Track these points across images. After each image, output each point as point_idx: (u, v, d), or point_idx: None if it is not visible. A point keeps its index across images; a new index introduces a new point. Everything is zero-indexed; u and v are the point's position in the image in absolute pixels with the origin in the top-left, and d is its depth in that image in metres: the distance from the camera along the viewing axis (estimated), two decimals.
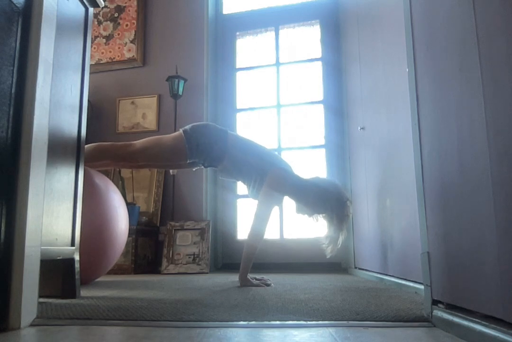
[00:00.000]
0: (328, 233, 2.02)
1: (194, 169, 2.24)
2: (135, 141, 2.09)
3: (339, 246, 2.00)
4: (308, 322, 1.02)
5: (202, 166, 2.16)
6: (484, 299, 0.80)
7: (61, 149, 1.39)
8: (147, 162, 2.13)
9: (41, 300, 1.38)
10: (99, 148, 2.05)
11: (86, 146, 1.87)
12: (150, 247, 3.02)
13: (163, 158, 2.09)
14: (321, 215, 2.06)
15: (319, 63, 3.48)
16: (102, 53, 3.59)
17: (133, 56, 3.51)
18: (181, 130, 2.07)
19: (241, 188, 3.35)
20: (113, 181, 2.98)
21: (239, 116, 3.57)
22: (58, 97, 1.37)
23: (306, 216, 2.10)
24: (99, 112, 3.55)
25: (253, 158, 2.05)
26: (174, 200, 3.19)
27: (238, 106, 3.58)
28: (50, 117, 1.18)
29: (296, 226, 3.23)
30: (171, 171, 3.10)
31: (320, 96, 3.42)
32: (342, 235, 1.99)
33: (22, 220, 1.02)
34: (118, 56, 3.55)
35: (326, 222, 2.04)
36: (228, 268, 3.24)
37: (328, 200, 1.99)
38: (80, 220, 1.51)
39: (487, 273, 0.79)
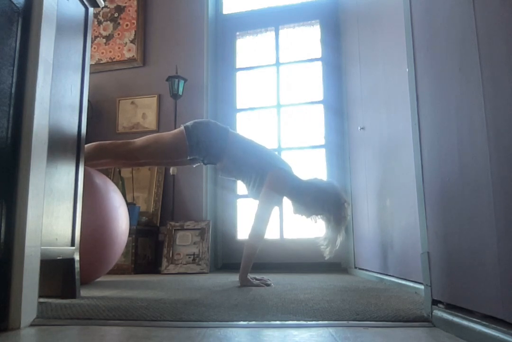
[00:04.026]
0: (326, 234, 2.03)
1: (194, 166, 2.25)
2: (135, 139, 2.09)
3: (337, 247, 2.01)
4: (308, 322, 1.02)
5: (202, 163, 2.17)
6: (484, 299, 0.80)
7: (61, 149, 1.39)
8: (148, 160, 2.13)
9: (41, 300, 1.38)
10: (99, 147, 2.05)
11: (86, 145, 1.87)
12: (150, 247, 3.02)
13: (163, 155, 2.09)
14: (318, 216, 2.06)
15: (319, 63, 3.48)
16: (102, 53, 3.59)
17: (133, 56, 3.51)
18: (182, 127, 2.07)
19: (241, 187, 3.35)
20: (113, 181, 2.98)
21: (239, 116, 3.57)
22: (58, 97, 1.37)
23: (304, 216, 2.10)
24: (99, 112, 3.55)
25: (253, 158, 2.05)
26: (174, 200, 3.19)
27: (238, 106, 3.57)
28: (50, 117, 1.18)
29: (296, 226, 3.23)
30: (171, 170, 3.10)
31: (320, 96, 3.42)
32: (340, 236, 1.99)
33: (22, 220, 1.02)
34: (118, 56, 3.55)
35: (324, 223, 2.04)
36: (228, 268, 3.24)
37: (326, 201, 2.00)
38: (80, 220, 1.51)
39: (487, 273, 0.79)
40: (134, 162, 2.17)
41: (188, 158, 2.07)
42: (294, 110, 3.48)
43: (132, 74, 3.56)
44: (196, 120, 2.11)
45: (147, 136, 2.10)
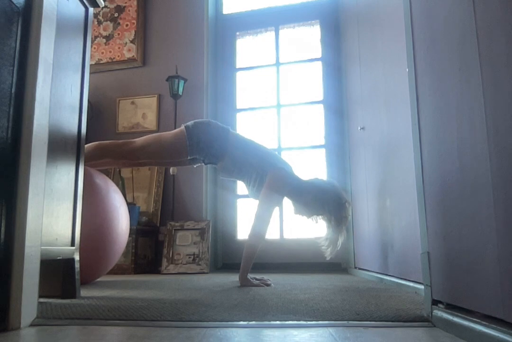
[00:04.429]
0: (327, 235, 2.02)
1: (195, 166, 2.25)
2: (135, 139, 2.09)
3: (339, 247, 2.00)
4: (308, 322, 1.02)
5: (203, 163, 2.17)
6: (484, 299, 0.80)
7: (61, 149, 1.39)
8: (148, 160, 2.13)
9: (41, 300, 1.38)
10: (99, 147, 2.05)
11: (86, 145, 1.87)
12: (150, 247, 3.02)
13: (164, 155, 2.09)
14: (319, 217, 2.06)
15: (319, 63, 3.48)
16: (102, 53, 3.59)
17: (133, 56, 3.51)
18: (183, 126, 2.06)
19: (241, 188, 3.35)
20: (113, 181, 2.98)
21: (239, 116, 3.57)
22: (58, 97, 1.37)
23: (304, 217, 2.10)
24: (99, 112, 3.55)
25: (254, 158, 2.05)
26: (174, 200, 3.19)
27: (238, 106, 3.58)
28: (50, 117, 1.18)
29: (296, 226, 3.23)
30: (171, 170, 3.10)
31: (320, 96, 3.42)
32: (341, 236, 1.99)
33: (22, 220, 1.02)
34: (118, 56, 3.55)
35: (325, 223, 2.04)
36: (228, 268, 3.24)
37: (326, 201, 1.99)
38: (81, 220, 1.51)
39: (487, 273, 0.79)
40: (134, 162, 2.17)
41: (189, 158, 2.07)
42: (294, 110, 3.48)
43: (132, 74, 3.56)
44: (196, 120, 2.11)
45: (148, 136, 2.10)
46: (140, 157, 2.08)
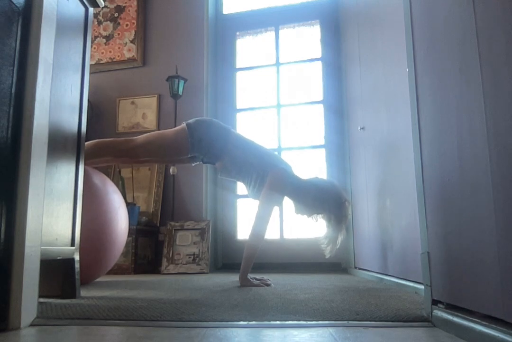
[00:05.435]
0: (327, 233, 2.03)
1: (193, 164, 2.25)
2: (136, 137, 2.09)
3: (338, 246, 2.01)
4: (308, 322, 1.02)
5: (201, 162, 2.17)
6: (484, 299, 0.80)
7: (61, 149, 1.39)
8: (149, 158, 2.13)
9: (41, 300, 1.38)
10: (99, 145, 2.05)
11: (86, 143, 1.86)
12: (150, 247, 3.02)
13: (164, 152, 2.09)
14: (319, 215, 2.06)
15: (319, 63, 3.48)
16: (102, 53, 3.59)
17: (133, 56, 3.51)
18: (184, 124, 2.06)
19: (241, 188, 3.35)
20: (113, 181, 2.98)
21: (239, 116, 3.57)
22: (58, 97, 1.37)
23: (305, 216, 2.10)
24: (99, 112, 3.55)
25: (254, 158, 2.05)
26: (174, 200, 3.19)
27: (238, 106, 3.58)
28: (50, 117, 1.18)
29: (296, 226, 3.23)
30: (171, 170, 3.10)
31: (320, 96, 3.42)
32: (341, 235, 1.99)
33: (22, 220, 1.02)
34: (118, 56, 3.55)
35: (325, 222, 2.04)
36: (228, 268, 3.24)
37: (326, 200, 2.00)
38: (80, 220, 1.50)
39: (487, 273, 0.79)
40: (135, 160, 2.17)
41: (189, 156, 2.07)
42: (294, 110, 3.48)
43: (132, 74, 3.56)
44: (198, 118, 2.11)
45: (148, 133, 2.11)
46: (140, 155, 2.07)
